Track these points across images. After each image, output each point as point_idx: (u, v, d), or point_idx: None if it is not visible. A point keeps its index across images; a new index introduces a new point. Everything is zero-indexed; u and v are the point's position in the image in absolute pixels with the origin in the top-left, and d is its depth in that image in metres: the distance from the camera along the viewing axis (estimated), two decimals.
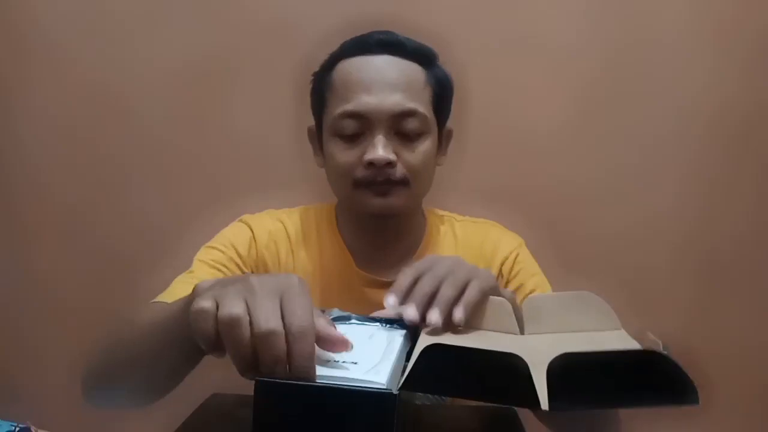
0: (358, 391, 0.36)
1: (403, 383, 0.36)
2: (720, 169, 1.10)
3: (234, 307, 0.37)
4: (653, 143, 1.11)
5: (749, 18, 1.07)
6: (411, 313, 0.47)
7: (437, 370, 0.39)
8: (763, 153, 1.09)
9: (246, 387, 0.40)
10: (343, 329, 0.41)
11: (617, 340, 0.45)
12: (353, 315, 0.50)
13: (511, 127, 1.13)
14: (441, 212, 0.91)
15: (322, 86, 0.80)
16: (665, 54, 1.09)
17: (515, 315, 0.51)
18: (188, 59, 1.15)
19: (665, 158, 1.11)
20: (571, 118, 1.11)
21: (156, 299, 0.71)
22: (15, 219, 1.23)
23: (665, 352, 0.36)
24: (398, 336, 0.44)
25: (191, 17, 1.14)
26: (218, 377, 0.60)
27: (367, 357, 0.40)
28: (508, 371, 0.37)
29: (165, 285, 0.77)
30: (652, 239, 1.13)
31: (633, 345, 0.43)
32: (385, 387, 0.36)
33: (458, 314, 0.48)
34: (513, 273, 0.84)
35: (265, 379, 0.37)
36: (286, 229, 0.84)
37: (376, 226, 0.80)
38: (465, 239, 0.87)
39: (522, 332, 0.50)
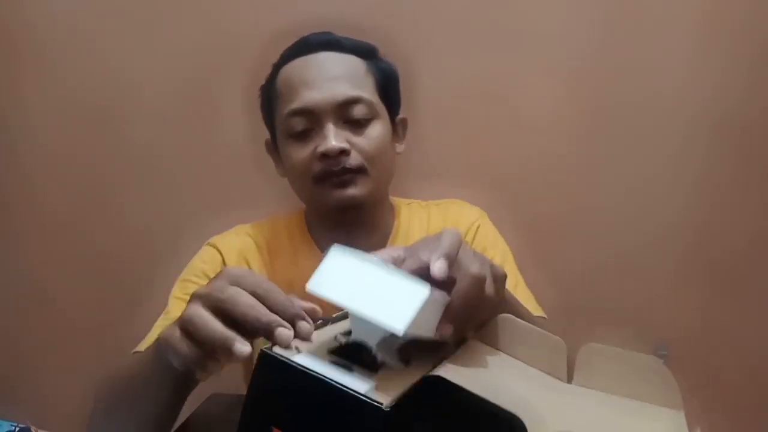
0: (351, 396, 0.35)
1: (394, 405, 0.35)
2: (728, 176, 1.10)
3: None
4: (660, 152, 1.10)
5: (756, 25, 1.06)
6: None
7: (437, 399, 0.37)
8: (749, 145, 1.08)
9: (245, 387, 0.40)
10: None
11: (666, 422, 0.40)
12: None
13: (518, 135, 1.12)
14: (408, 201, 0.91)
15: (269, 95, 0.81)
16: (672, 62, 1.08)
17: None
18: (179, 66, 1.14)
19: (672, 166, 1.10)
20: (576, 127, 1.11)
21: (137, 348, 0.71)
22: (12, 223, 1.23)
23: None
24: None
25: (182, 26, 1.13)
26: (218, 377, 0.60)
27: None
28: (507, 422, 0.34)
29: (157, 289, 0.77)
30: (660, 247, 1.12)
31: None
32: (379, 402, 0.34)
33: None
34: (475, 244, 0.83)
35: (268, 352, 0.38)
36: (256, 242, 0.83)
37: (344, 221, 0.78)
38: (431, 221, 0.87)
39: (569, 380, 0.45)
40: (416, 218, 0.87)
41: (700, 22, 1.06)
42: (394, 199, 0.90)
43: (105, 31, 1.15)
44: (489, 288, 0.44)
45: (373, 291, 0.39)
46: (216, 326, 0.40)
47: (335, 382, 0.36)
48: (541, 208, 1.10)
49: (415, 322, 0.37)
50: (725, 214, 1.10)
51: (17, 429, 0.77)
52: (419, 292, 0.38)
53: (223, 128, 1.14)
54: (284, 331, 0.39)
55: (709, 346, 1.10)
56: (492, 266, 0.46)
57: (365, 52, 0.79)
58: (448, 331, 0.42)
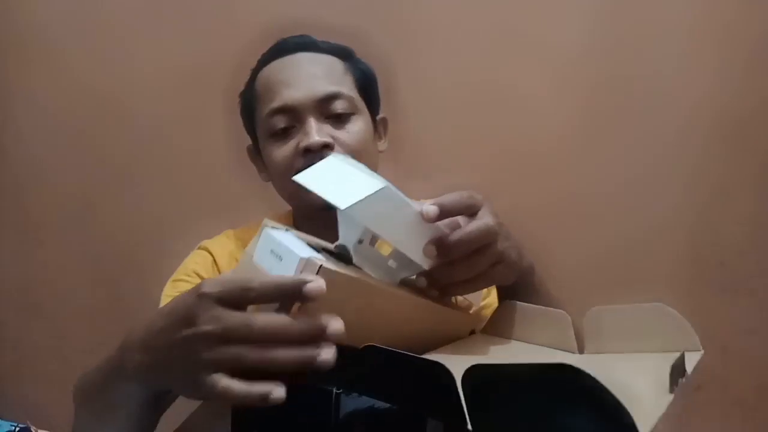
0: (303, 386, 0.37)
1: (344, 384, 0.37)
2: (722, 173, 1.10)
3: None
4: (654, 148, 1.10)
5: (751, 21, 1.06)
6: (430, 250, 0.45)
7: (383, 371, 0.37)
8: (745, 144, 1.09)
9: None
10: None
11: (652, 371, 0.38)
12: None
13: (511, 133, 1.12)
14: None
15: (249, 99, 0.81)
16: (667, 58, 1.08)
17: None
18: (187, 59, 1.15)
19: (667, 162, 1.10)
20: (571, 123, 1.11)
21: None
22: (12, 224, 1.23)
23: (583, 368, 0.29)
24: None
25: (190, 19, 1.14)
26: None
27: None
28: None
29: (157, 289, 0.77)
30: (654, 244, 1.12)
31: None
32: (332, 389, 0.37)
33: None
34: None
35: None
36: (246, 245, 0.83)
37: (331, 219, 0.78)
38: None
39: (582, 350, 0.45)
40: None
41: (693, 19, 1.07)
42: None
43: (112, 26, 1.16)
44: (505, 246, 0.48)
45: (343, 183, 0.43)
46: (242, 389, 0.36)
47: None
48: (534, 207, 1.10)
49: (371, 214, 0.42)
50: (721, 212, 1.10)
51: (17, 429, 0.77)
52: (375, 184, 0.42)
53: (214, 136, 1.14)
54: (329, 352, 0.36)
55: (708, 346, 1.10)
56: (512, 236, 0.51)
57: (342, 53, 0.80)
58: (431, 252, 0.44)
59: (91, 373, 0.55)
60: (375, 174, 0.46)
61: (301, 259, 0.37)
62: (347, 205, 0.41)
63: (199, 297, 0.37)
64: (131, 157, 1.18)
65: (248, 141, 0.86)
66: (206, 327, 0.36)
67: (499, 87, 1.11)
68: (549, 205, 1.12)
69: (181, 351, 0.38)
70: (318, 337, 0.36)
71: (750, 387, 1.11)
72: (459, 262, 0.46)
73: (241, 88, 0.85)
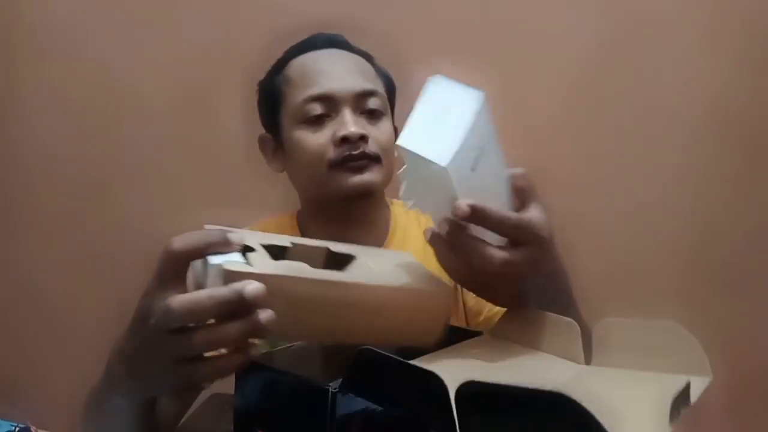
0: (298, 381, 0.39)
1: (341, 385, 0.37)
2: (732, 179, 1.10)
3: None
4: (644, 141, 1.11)
5: (760, 26, 1.06)
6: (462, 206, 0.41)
7: (381, 377, 0.37)
8: (754, 148, 1.09)
9: None
10: None
11: (654, 390, 0.37)
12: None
13: (519, 142, 1.11)
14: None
15: (276, 86, 0.80)
16: (656, 50, 1.09)
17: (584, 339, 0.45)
18: (179, 68, 1.15)
19: (656, 155, 1.11)
20: (562, 116, 1.11)
21: None
22: (13, 223, 1.23)
23: (574, 396, 0.29)
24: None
25: (182, 28, 1.15)
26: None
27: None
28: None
29: None
30: (664, 250, 1.12)
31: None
32: (324, 386, 0.37)
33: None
34: None
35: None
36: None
37: (346, 215, 0.78)
38: (429, 221, 0.87)
39: (588, 362, 0.44)
40: (413, 218, 0.87)
41: (704, 25, 1.07)
42: (391, 202, 0.90)
43: (105, 33, 1.16)
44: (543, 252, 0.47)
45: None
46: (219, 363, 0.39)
47: (294, 375, 0.39)
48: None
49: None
50: (729, 216, 1.10)
51: (17, 429, 0.77)
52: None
53: (223, 130, 1.14)
54: (267, 312, 0.37)
55: (712, 350, 1.10)
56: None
57: (369, 57, 0.82)
58: (462, 209, 0.42)
59: (92, 391, 0.55)
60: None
61: (217, 265, 0.38)
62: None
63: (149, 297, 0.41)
64: (131, 158, 1.19)
65: (248, 146, 0.86)
66: (153, 320, 0.39)
67: (506, 95, 1.10)
68: (556, 214, 1.11)
69: (147, 349, 0.40)
70: (238, 302, 0.36)
71: (753, 392, 1.11)
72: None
73: (252, 90, 0.85)
